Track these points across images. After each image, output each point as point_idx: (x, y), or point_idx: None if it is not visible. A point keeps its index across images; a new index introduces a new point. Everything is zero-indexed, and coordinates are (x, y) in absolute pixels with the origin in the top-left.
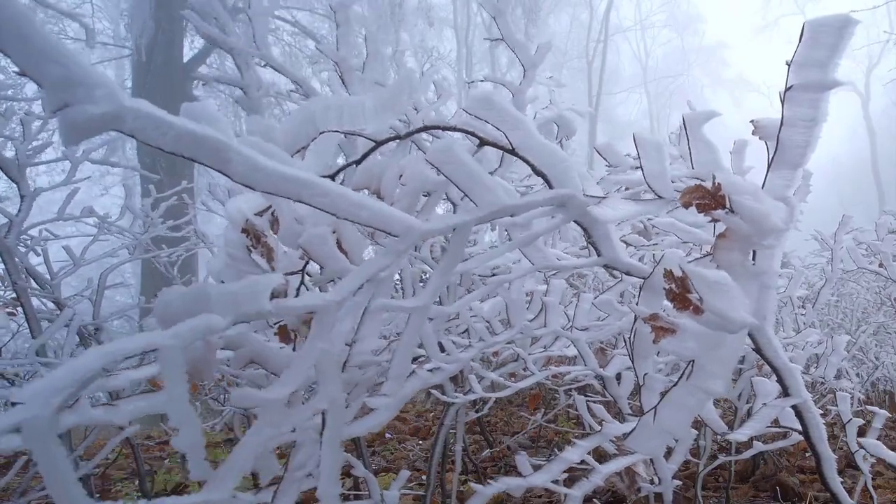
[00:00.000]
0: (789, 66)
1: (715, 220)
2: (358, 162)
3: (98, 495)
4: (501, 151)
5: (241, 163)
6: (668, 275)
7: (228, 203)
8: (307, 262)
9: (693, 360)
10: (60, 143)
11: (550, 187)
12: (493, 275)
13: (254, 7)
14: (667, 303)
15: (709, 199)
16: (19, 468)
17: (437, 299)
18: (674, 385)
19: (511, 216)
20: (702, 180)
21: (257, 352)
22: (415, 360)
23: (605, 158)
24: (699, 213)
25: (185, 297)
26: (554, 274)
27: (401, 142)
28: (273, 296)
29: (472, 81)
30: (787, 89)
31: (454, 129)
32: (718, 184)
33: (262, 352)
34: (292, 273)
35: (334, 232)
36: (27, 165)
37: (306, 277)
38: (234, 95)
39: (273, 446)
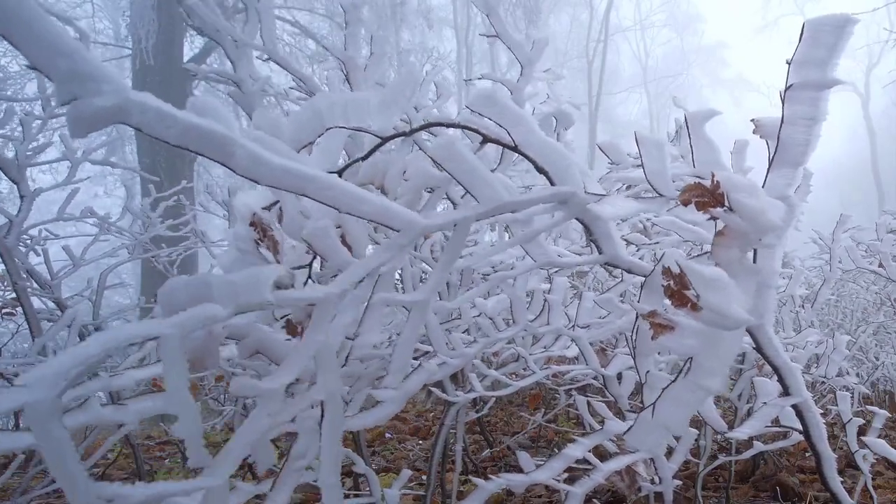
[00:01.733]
0: (789, 65)
1: (714, 218)
2: (364, 158)
3: None
4: (501, 150)
5: (244, 157)
6: (667, 272)
7: (237, 198)
8: (314, 258)
9: (691, 357)
10: (61, 144)
11: (552, 184)
12: (496, 271)
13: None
14: (666, 300)
15: (708, 196)
16: (17, 467)
17: (438, 297)
18: (672, 382)
19: (512, 213)
20: (703, 179)
21: (262, 342)
22: (417, 357)
23: (607, 155)
24: (698, 210)
25: (189, 287)
26: (556, 272)
27: (405, 139)
28: (280, 289)
29: (470, 80)
30: (787, 88)
31: (457, 126)
32: (717, 182)
33: (267, 342)
34: (299, 267)
35: (339, 227)
36: (27, 166)
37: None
38: (233, 94)
39: (271, 436)
